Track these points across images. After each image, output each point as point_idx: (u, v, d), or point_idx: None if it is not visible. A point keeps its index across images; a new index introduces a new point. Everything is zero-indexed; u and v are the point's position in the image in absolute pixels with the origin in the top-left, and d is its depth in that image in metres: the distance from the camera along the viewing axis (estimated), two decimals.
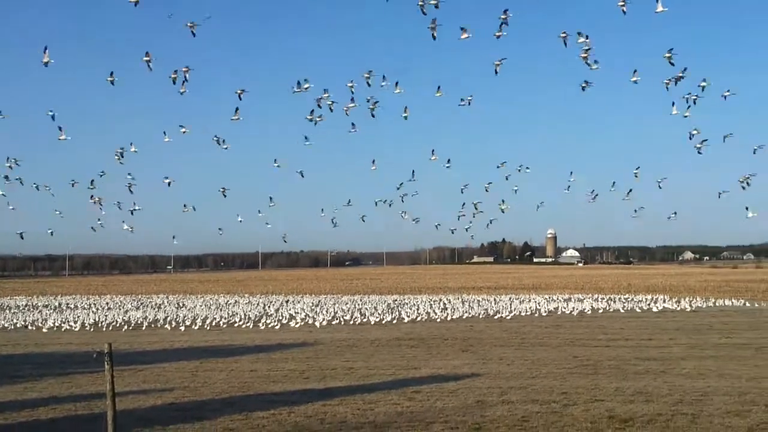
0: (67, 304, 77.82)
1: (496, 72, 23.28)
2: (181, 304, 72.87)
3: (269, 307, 65.77)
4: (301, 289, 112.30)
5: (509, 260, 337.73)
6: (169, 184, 29.38)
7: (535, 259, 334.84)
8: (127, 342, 39.80)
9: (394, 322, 49.79)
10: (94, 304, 75.25)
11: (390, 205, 31.50)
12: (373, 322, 49.42)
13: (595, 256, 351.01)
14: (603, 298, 73.04)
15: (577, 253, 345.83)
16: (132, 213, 29.85)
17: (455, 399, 21.84)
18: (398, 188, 30.90)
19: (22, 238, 31.25)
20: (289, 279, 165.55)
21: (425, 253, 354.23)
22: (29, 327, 50.01)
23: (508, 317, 52.13)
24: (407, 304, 67.14)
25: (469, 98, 25.31)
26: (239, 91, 24.06)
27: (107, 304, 76.62)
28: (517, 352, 32.97)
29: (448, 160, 31.92)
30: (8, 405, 22.07)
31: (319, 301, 73.95)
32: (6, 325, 51.54)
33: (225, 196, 29.07)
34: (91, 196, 28.17)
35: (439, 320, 50.62)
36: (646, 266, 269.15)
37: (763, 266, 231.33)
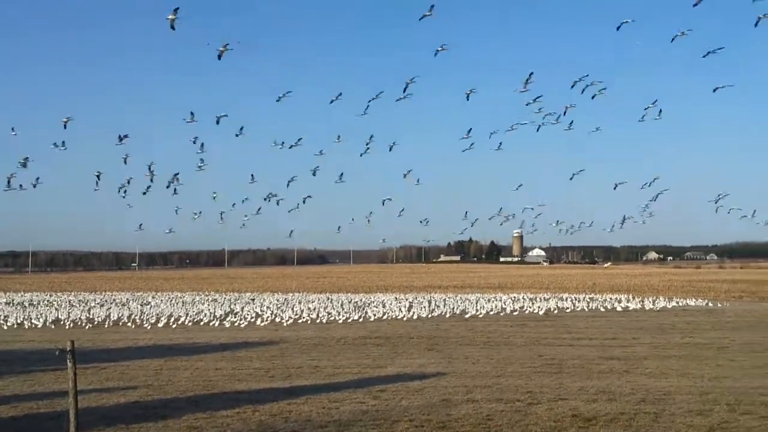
0: (30, 301, 76.89)
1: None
2: (145, 302, 72.28)
3: (235, 305, 65.44)
4: (267, 287, 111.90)
5: (476, 259, 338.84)
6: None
7: (501, 259, 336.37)
8: (91, 340, 39.42)
9: (361, 320, 49.76)
10: (57, 301, 74.43)
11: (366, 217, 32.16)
12: (339, 321, 49.36)
13: (561, 255, 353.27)
14: (568, 298, 73.54)
15: (543, 253, 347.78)
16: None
17: (420, 398, 21.88)
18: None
19: None
20: (255, 277, 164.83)
21: (392, 252, 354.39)
22: None
23: (474, 316, 52.30)
24: (374, 302, 67.12)
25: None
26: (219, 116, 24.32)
27: (70, 301, 75.81)
28: (482, 351, 33.10)
29: (418, 180, 33.05)
30: None
31: (286, 300, 73.74)
32: None
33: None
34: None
35: (405, 319, 50.69)
36: (611, 266, 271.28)
37: (725, 267, 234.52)
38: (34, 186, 39.19)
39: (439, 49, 34.75)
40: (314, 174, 48.07)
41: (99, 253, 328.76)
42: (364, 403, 21.05)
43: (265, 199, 53.13)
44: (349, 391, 23.11)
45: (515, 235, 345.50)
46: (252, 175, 45.56)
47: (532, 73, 34.68)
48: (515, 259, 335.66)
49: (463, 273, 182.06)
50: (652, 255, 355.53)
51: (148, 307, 64.34)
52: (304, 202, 55.18)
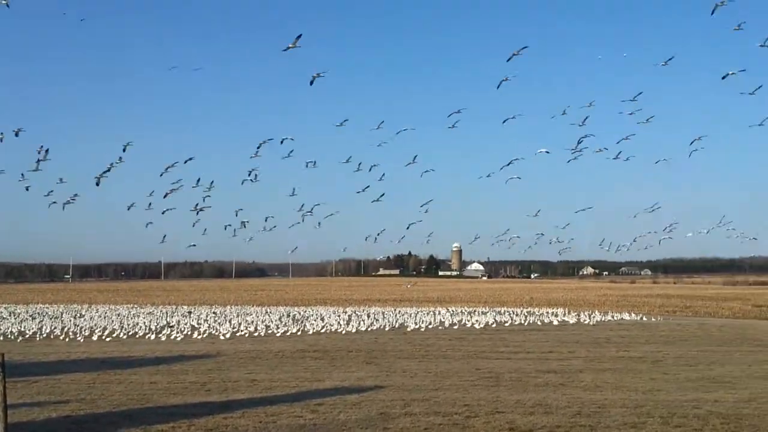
0: None
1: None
2: (79, 314, 70.91)
3: (171, 318, 64.58)
4: (204, 299, 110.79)
5: (415, 273, 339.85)
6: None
7: (440, 272, 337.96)
8: (21, 353, 38.49)
9: (299, 333, 49.50)
10: None
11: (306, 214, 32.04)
12: (277, 334, 49.02)
13: (499, 270, 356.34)
14: (506, 312, 74.11)
15: (481, 267, 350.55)
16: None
17: (358, 411, 21.79)
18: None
19: None
20: (192, 289, 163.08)
21: (331, 265, 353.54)
22: None
23: (414, 330, 52.40)
24: (312, 315, 66.86)
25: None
26: None
27: (0, 313, 74.02)
28: (420, 365, 33.13)
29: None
30: None
31: (223, 313, 73.02)
32: None
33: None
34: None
35: (343, 332, 50.55)
36: (548, 280, 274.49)
37: (659, 282, 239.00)
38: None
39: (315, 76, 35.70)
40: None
41: (32, 265, 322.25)
42: (301, 417, 20.89)
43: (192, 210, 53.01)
44: (286, 404, 22.91)
45: (454, 249, 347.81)
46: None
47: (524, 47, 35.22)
48: (454, 272, 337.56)
49: (402, 286, 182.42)
50: (588, 270, 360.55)
51: (82, 319, 63.17)
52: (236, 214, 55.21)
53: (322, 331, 51.48)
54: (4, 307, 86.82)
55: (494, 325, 57.05)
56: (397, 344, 42.54)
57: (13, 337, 47.73)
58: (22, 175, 44.54)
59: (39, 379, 28.95)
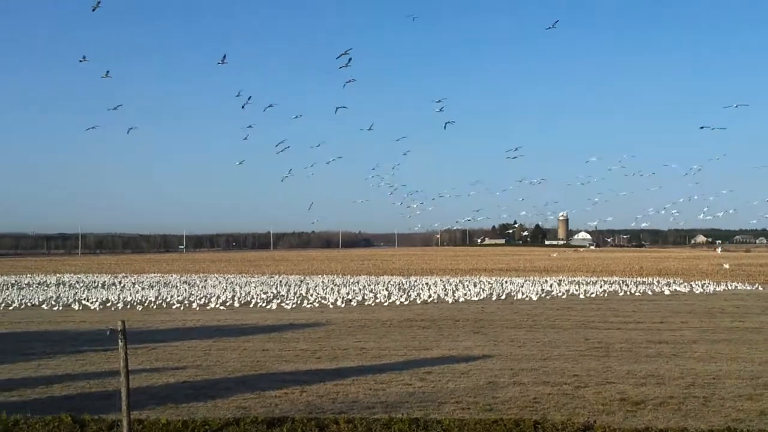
0: (80, 282, 78.18)
1: None
2: (193, 284, 73.16)
3: (281, 287, 65.95)
4: (312, 269, 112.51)
5: (521, 242, 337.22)
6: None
7: (546, 242, 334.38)
8: (140, 321, 40.01)
9: (406, 303, 49.87)
10: (107, 283, 75.64)
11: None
12: (385, 303, 49.51)
13: (607, 239, 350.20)
14: (615, 281, 72.91)
15: (589, 236, 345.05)
16: None
17: (467, 380, 21.89)
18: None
19: None
20: (300, 259, 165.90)
21: (436, 235, 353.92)
22: (43, 305, 50.22)
23: (520, 299, 52.13)
24: (419, 285, 67.22)
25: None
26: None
27: (120, 282, 77.00)
28: (528, 334, 32.99)
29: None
30: (22, 382, 22.24)
31: (331, 282, 74.12)
32: (19, 303, 51.81)
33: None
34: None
35: (450, 301, 50.69)
36: (659, 249, 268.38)
37: None
38: (128, 132, 42.64)
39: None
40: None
41: (147, 236, 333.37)
42: (410, 385, 21.12)
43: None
44: (395, 372, 23.20)
45: (561, 218, 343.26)
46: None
47: None
48: (561, 242, 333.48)
49: (507, 256, 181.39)
50: (701, 238, 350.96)
51: (196, 288, 65.13)
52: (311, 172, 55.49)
53: (429, 300, 51.74)
54: (123, 277, 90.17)
55: (602, 295, 56.24)
56: (505, 314, 42.44)
57: (132, 306, 49.60)
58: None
59: (157, 346, 30.07)
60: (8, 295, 57.56)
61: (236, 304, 50.07)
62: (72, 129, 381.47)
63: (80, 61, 39.51)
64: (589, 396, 19.50)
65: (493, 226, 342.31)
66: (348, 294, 55.64)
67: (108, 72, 34.85)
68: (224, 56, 31.52)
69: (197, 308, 47.73)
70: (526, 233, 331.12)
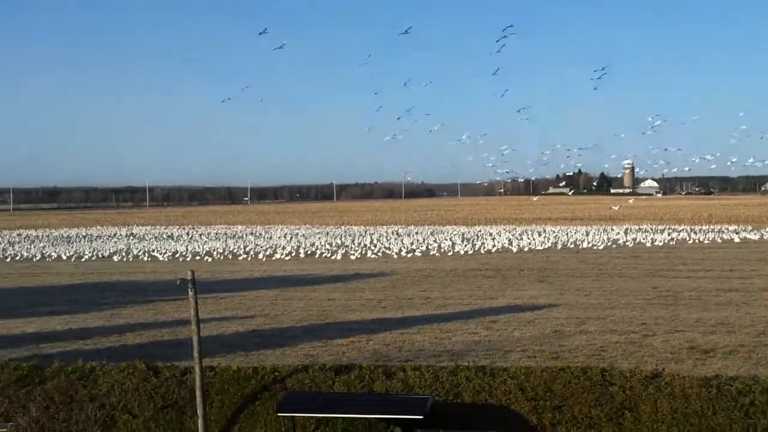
0: (149, 234, 79.63)
1: None
2: (259, 235, 74.00)
3: (345, 238, 66.33)
4: (376, 220, 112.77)
5: (585, 191, 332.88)
6: None
7: (612, 190, 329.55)
8: (208, 271, 40.68)
9: (470, 252, 49.77)
10: (175, 235, 76.95)
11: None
12: (449, 253, 49.49)
13: (675, 186, 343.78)
14: (683, 229, 71.70)
15: (655, 184, 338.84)
16: None
17: (532, 329, 21.86)
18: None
19: None
20: (364, 210, 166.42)
21: (500, 185, 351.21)
22: (114, 256, 51.33)
23: (586, 248, 51.64)
24: (482, 235, 66.98)
25: None
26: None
27: (188, 234, 78.24)
28: (594, 283, 32.74)
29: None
30: (96, 330, 22.90)
31: (395, 232, 74.28)
32: (91, 254, 53.04)
33: None
34: None
35: (515, 251, 50.44)
36: (728, 197, 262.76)
37: None
38: (281, 47, 44.35)
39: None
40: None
41: (212, 188, 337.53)
42: (476, 333, 21.17)
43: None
44: (460, 321, 23.26)
45: (626, 166, 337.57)
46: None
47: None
48: (627, 190, 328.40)
49: (572, 205, 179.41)
50: None
51: (262, 240, 65.87)
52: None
53: (493, 250, 51.57)
54: (191, 228, 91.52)
55: (670, 243, 55.38)
56: (570, 263, 42.13)
57: (200, 257, 50.41)
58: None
59: (226, 295, 30.60)
60: (80, 247, 58.95)
61: (301, 255, 50.55)
62: (142, 86, 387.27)
63: (260, 33, 41.26)
64: (657, 344, 19.32)
65: (557, 175, 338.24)
66: (412, 244, 55.72)
67: (266, 29, 36.07)
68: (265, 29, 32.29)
69: (263, 259, 48.33)
70: (591, 182, 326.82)
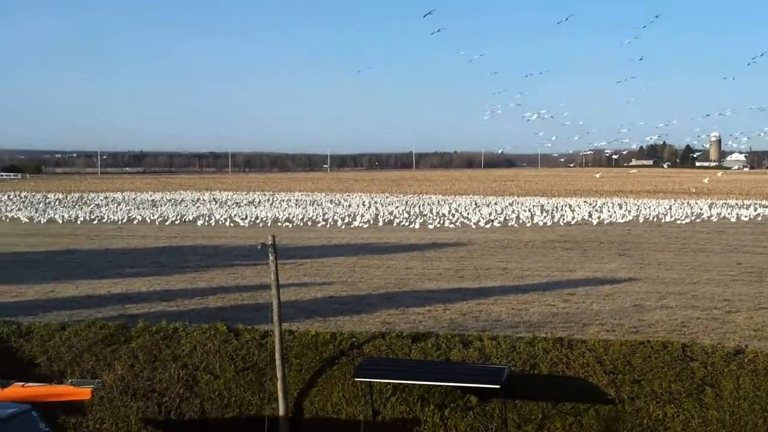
0: (230, 200, 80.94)
1: None
2: (338, 202, 74.56)
3: (424, 206, 66.38)
4: (454, 189, 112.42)
5: (669, 164, 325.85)
6: None
7: (697, 164, 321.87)
8: (288, 237, 41.18)
9: (549, 224, 49.32)
10: (256, 201, 78.07)
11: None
12: (527, 224, 49.14)
13: (763, 160, 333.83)
14: None
15: (743, 157, 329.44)
16: None
17: (611, 302, 21.62)
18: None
19: None
20: (442, 179, 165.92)
21: (581, 156, 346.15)
22: (197, 221, 52.32)
23: (669, 222, 50.68)
24: (562, 206, 66.27)
25: None
26: None
27: (268, 200, 79.29)
28: (677, 258, 32.16)
29: None
30: (179, 293, 23.45)
31: (473, 202, 74.02)
32: (174, 218, 54.15)
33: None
34: None
35: (595, 223, 49.80)
36: None
37: None
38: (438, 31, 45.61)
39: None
40: None
41: (293, 155, 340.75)
42: (553, 306, 21.04)
43: None
44: (538, 293, 23.14)
45: (713, 138, 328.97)
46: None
47: None
48: (712, 164, 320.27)
49: (655, 178, 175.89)
50: None
51: (341, 207, 66.37)
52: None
53: (573, 222, 50.99)
54: (271, 195, 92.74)
55: (758, 219, 53.95)
56: (652, 236, 41.43)
57: (280, 224, 51.06)
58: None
59: (305, 261, 30.98)
60: (165, 211, 60.28)
61: (380, 223, 50.79)
62: (219, 54, 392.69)
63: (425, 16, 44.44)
64: (740, 321, 18.92)
65: (641, 147, 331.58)
66: (490, 214, 55.46)
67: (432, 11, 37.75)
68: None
69: (342, 226, 48.70)
70: (675, 155, 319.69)
